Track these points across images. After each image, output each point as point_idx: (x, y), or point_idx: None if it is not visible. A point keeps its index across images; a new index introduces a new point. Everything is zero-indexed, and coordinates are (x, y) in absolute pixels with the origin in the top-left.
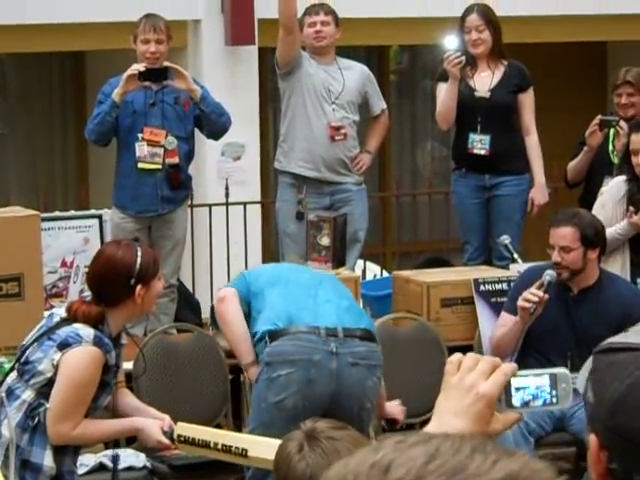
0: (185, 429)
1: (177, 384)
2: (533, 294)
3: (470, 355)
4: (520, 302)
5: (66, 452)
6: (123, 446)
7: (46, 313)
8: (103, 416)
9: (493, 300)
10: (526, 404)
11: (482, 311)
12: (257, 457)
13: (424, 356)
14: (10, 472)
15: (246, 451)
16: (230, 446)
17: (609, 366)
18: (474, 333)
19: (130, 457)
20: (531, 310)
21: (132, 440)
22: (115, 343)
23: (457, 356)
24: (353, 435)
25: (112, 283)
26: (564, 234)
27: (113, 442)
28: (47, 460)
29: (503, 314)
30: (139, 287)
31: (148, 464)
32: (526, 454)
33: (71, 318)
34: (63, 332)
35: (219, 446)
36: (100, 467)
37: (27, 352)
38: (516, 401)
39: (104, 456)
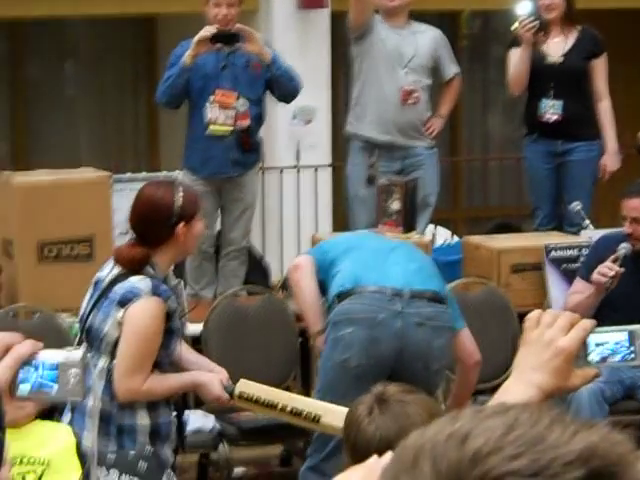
0: (248, 386)
1: (246, 347)
2: (609, 268)
3: (549, 311)
4: (595, 276)
5: (159, 403)
6: (192, 407)
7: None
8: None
9: (564, 266)
10: (604, 359)
11: (552, 277)
12: (329, 424)
13: (494, 321)
14: (110, 441)
15: (319, 417)
16: (302, 410)
17: None
18: (544, 299)
19: (199, 419)
20: (607, 285)
21: (201, 402)
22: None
23: (536, 312)
24: (424, 399)
25: (154, 223)
26: (636, 205)
27: (182, 402)
28: (140, 418)
29: (577, 281)
30: (180, 226)
31: (218, 426)
32: (605, 426)
33: (118, 263)
34: (120, 288)
35: (288, 408)
36: None
37: (88, 320)
38: (595, 356)
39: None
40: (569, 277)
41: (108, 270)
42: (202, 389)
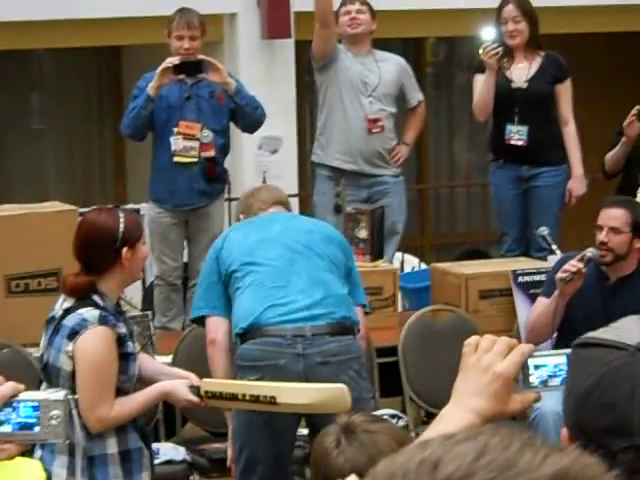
0: (211, 385)
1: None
2: (572, 265)
3: (487, 336)
4: (559, 274)
5: (126, 430)
6: (162, 439)
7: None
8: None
9: (532, 292)
10: (544, 383)
11: (521, 303)
12: (286, 403)
13: (462, 349)
14: (82, 475)
15: (274, 398)
16: (258, 395)
17: (580, 361)
18: (513, 325)
19: (170, 451)
20: (567, 278)
21: (171, 434)
22: (118, 312)
23: (474, 338)
24: (390, 427)
25: (97, 248)
26: (617, 215)
27: (153, 433)
28: (110, 447)
29: (539, 299)
30: (125, 250)
31: (188, 458)
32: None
33: (63, 292)
34: (69, 321)
35: (247, 397)
36: None
37: (44, 357)
38: (534, 380)
39: None
40: None
41: (59, 304)
42: (171, 397)
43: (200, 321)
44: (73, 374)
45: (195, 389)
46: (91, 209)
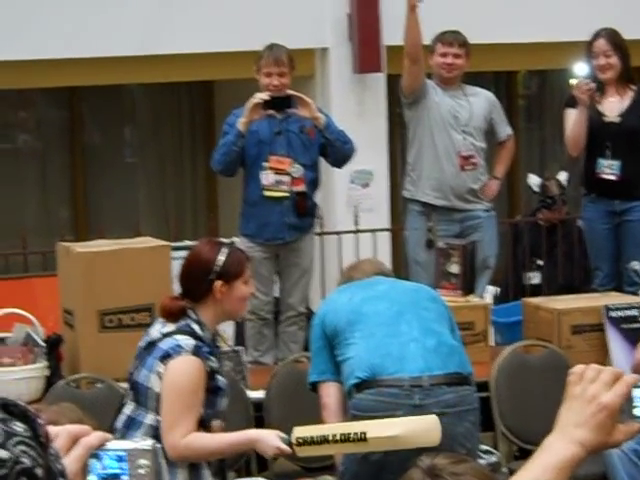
0: (302, 431)
1: (307, 412)
2: None
3: (593, 366)
4: None
5: (200, 467)
6: (254, 474)
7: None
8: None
9: (624, 326)
10: None
11: (613, 338)
12: (376, 437)
13: (555, 383)
14: None
15: (364, 434)
16: (348, 434)
17: None
18: (605, 360)
19: None
20: None
21: (263, 468)
22: (214, 345)
23: (580, 367)
24: (476, 467)
25: (192, 277)
26: None
27: (244, 468)
28: (181, 478)
29: None
30: (219, 284)
31: None
32: None
33: (159, 312)
34: (164, 344)
35: (337, 437)
36: None
37: (133, 376)
38: (639, 411)
39: None
40: (629, 337)
41: (157, 329)
42: (260, 444)
43: (314, 387)
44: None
45: (285, 439)
46: (204, 239)
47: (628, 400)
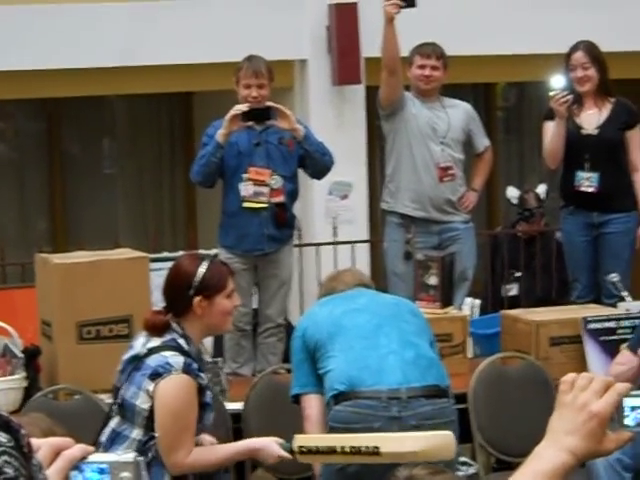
0: (305, 440)
1: (284, 424)
2: None
3: (584, 374)
4: None
5: (186, 477)
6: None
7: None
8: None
9: (602, 338)
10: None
11: (591, 350)
12: (390, 452)
13: (533, 395)
14: None
15: (377, 448)
16: (359, 447)
17: None
18: (583, 372)
19: None
20: None
21: (241, 477)
22: (199, 358)
23: (571, 375)
24: (453, 478)
25: (173, 291)
26: None
27: None
28: None
29: (624, 352)
30: (198, 299)
31: None
32: None
33: (143, 326)
34: (152, 361)
35: (347, 449)
36: None
37: (120, 392)
38: (629, 420)
39: None
40: (608, 349)
41: (141, 343)
42: (261, 453)
43: (297, 400)
44: (149, 412)
45: (286, 446)
46: (187, 252)
47: (618, 409)
